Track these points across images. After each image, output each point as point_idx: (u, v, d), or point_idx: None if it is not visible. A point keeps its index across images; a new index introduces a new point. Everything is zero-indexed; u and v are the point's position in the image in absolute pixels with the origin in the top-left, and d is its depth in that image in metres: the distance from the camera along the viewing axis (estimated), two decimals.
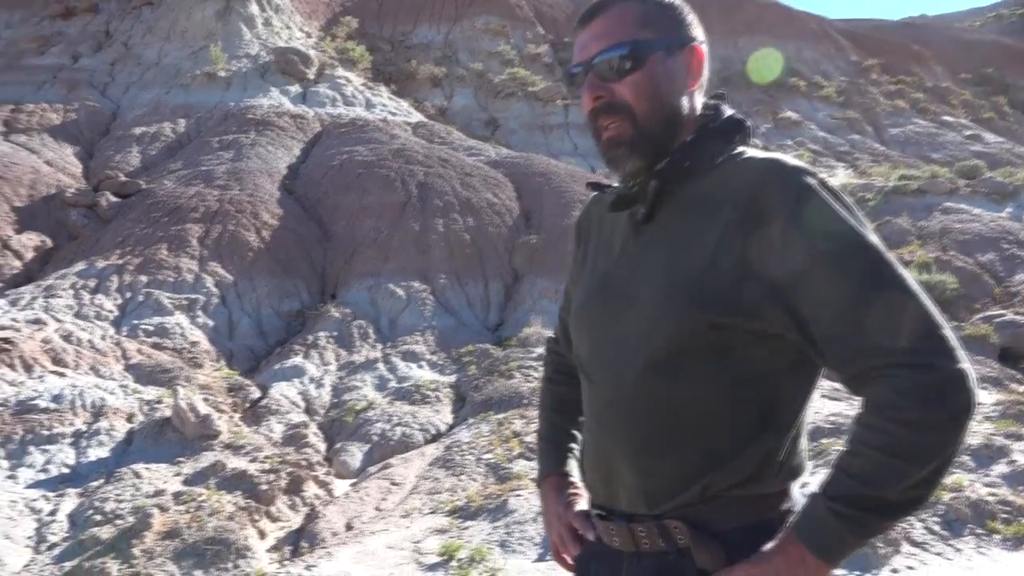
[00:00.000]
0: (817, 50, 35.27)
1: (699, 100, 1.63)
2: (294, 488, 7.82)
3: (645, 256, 1.57)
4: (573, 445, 1.91)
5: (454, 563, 6.02)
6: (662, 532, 1.52)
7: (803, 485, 1.58)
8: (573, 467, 1.88)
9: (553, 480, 1.90)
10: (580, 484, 1.84)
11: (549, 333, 10.79)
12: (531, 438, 8.72)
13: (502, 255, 14.55)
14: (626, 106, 1.55)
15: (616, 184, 1.71)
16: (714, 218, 1.48)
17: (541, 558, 6.02)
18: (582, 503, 1.81)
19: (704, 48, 1.62)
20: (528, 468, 7.83)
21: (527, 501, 6.95)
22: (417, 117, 22.60)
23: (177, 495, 7.30)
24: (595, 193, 1.81)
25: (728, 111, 1.63)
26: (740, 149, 1.58)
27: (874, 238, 1.40)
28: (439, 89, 26.73)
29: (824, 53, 35.38)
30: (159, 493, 7.36)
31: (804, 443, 1.59)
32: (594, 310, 1.65)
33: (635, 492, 1.56)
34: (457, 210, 15.33)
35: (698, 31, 1.62)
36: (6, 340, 10.07)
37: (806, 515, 1.41)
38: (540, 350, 11.57)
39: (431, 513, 7.20)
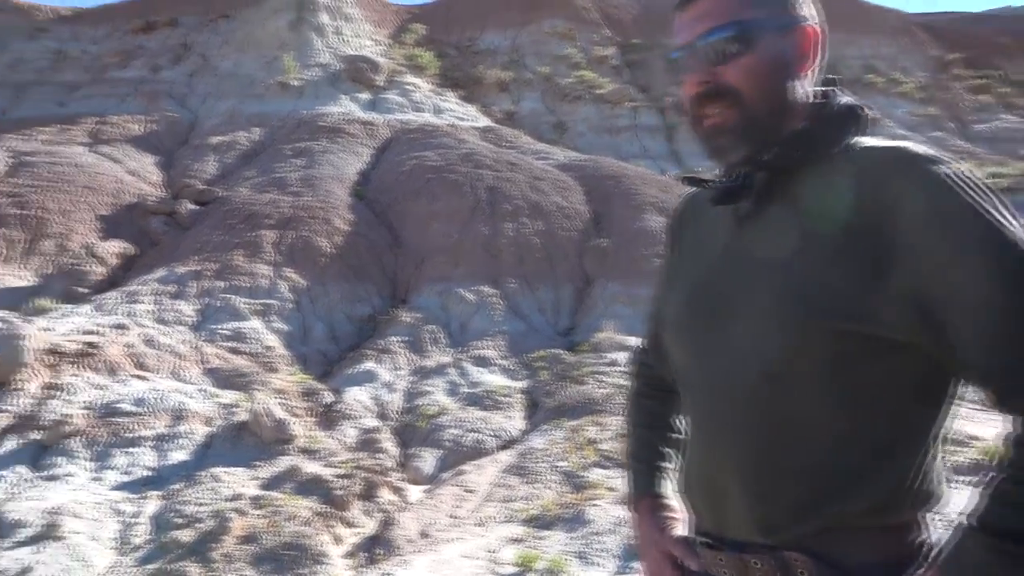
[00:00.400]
0: (895, 45, 34.10)
1: (811, 85, 1.47)
2: (368, 494, 7.82)
3: (753, 256, 1.41)
4: (666, 465, 1.75)
5: (531, 574, 5.89)
6: (781, 565, 1.35)
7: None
8: (667, 488, 1.73)
9: (647, 503, 1.75)
10: (676, 507, 1.69)
11: (622, 338, 10.58)
12: (606, 446, 8.55)
13: (572, 259, 14.40)
14: (733, 91, 1.40)
15: (716, 177, 1.56)
16: (832, 214, 1.32)
17: (621, 571, 5.84)
18: (679, 528, 1.65)
19: (818, 28, 1.46)
20: (604, 477, 7.66)
21: (604, 511, 6.78)
22: (485, 122, 22.64)
23: (255, 499, 7.37)
24: (691, 190, 1.65)
25: (843, 97, 1.46)
26: (857, 138, 1.41)
27: (1022, 233, 1.22)
28: (506, 93, 26.75)
29: (903, 48, 34.18)
30: (237, 497, 7.44)
31: (940, 466, 1.40)
32: (696, 317, 1.49)
33: (748, 519, 1.39)
34: (526, 214, 15.24)
35: (810, 10, 1.46)
36: (92, 345, 10.38)
37: (957, 550, 1.22)
38: (613, 355, 11.37)
39: (506, 522, 7.09)
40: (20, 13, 27.39)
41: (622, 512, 6.73)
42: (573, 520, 6.80)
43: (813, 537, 1.32)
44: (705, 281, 1.49)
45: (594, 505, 6.96)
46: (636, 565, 5.95)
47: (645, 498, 1.75)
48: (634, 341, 11.82)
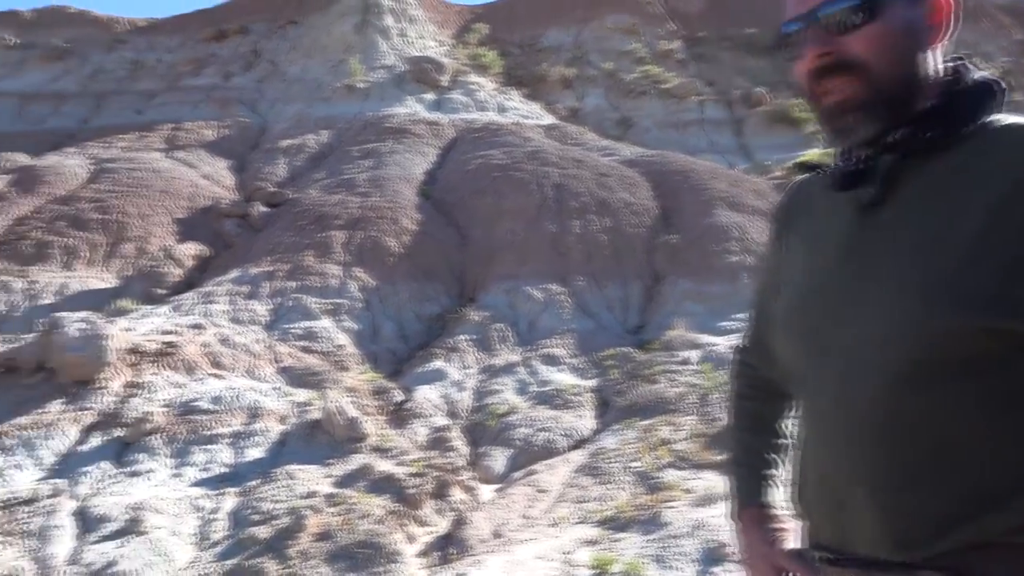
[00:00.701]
0: (976, 31, 32.75)
1: (941, 60, 1.32)
2: (440, 492, 7.80)
3: (879, 248, 1.28)
4: (772, 472, 1.63)
5: None
6: None
7: None
8: (774, 497, 1.61)
9: (752, 512, 1.62)
10: (784, 518, 1.56)
11: (694, 336, 10.33)
12: (681, 446, 8.36)
13: (641, 256, 14.19)
14: (858, 63, 1.28)
15: (834, 162, 1.42)
16: (973, 200, 1.18)
17: None
18: (789, 540, 1.53)
19: None
20: (680, 478, 7.48)
21: (681, 514, 6.61)
22: (549, 119, 22.54)
23: (329, 497, 7.42)
24: (799, 179, 1.52)
25: (976, 72, 1.31)
26: (993, 117, 1.26)
27: None
28: (570, 90, 26.60)
29: (984, 33, 32.81)
30: (311, 495, 7.51)
31: None
32: (813, 315, 1.37)
33: (879, 533, 1.26)
34: (593, 211, 15.09)
35: None
36: (170, 344, 10.65)
37: None
38: (685, 353, 11.14)
39: (580, 523, 6.98)
40: (99, 25, 28.47)
41: (700, 514, 6.55)
42: (649, 522, 6.65)
43: (954, 555, 1.20)
44: (823, 276, 1.38)
45: (670, 507, 6.80)
46: (716, 570, 5.76)
47: (750, 507, 1.65)
48: (707, 339, 11.57)
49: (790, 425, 1.62)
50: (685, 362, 10.84)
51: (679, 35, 30.43)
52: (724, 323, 12.02)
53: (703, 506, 6.71)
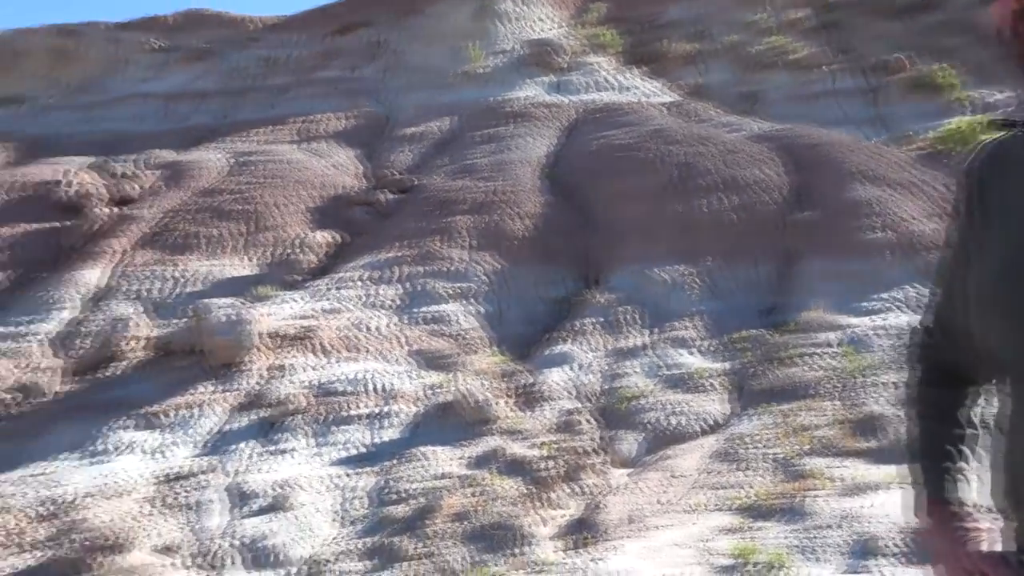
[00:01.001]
0: None
1: None
2: (572, 476, 7.78)
3: None
4: (959, 464, 1.51)
5: (750, 567, 5.58)
6: None
7: None
8: (961, 493, 1.48)
9: (939, 509, 1.49)
10: (973, 515, 1.43)
11: (832, 317, 9.83)
12: (823, 432, 7.99)
13: (773, 235, 13.63)
14: None
15: None
16: None
17: (851, 570, 5.39)
18: (983, 542, 1.38)
19: None
20: (824, 466, 7.14)
21: (827, 503, 6.31)
22: (671, 97, 22.00)
23: (463, 478, 7.53)
24: (986, 141, 1.35)
25: None
26: None
27: None
28: (692, 66, 25.80)
29: None
30: (446, 476, 7.64)
31: None
32: (1018, 290, 1.21)
33: None
34: (721, 189, 14.61)
35: None
36: (308, 329, 11.08)
37: None
38: (823, 335, 10.64)
39: (717, 510, 6.79)
40: (234, 26, 29.91)
41: (848, 504, 6.24)
42: (791, 511, 6.40)
43: None
44: None
45: (815, 496, 6.51)
46: (869, 563, 5.46)
47: (935, 503, 1.51)
48: (846, 320, 11.00)
49: (979, 414, 1.49)
50: (824, 344, 10.34)
51: (808, 2, 28.98)
52: (865, 303, 11.39)
53: (851, 496, 6.38)
